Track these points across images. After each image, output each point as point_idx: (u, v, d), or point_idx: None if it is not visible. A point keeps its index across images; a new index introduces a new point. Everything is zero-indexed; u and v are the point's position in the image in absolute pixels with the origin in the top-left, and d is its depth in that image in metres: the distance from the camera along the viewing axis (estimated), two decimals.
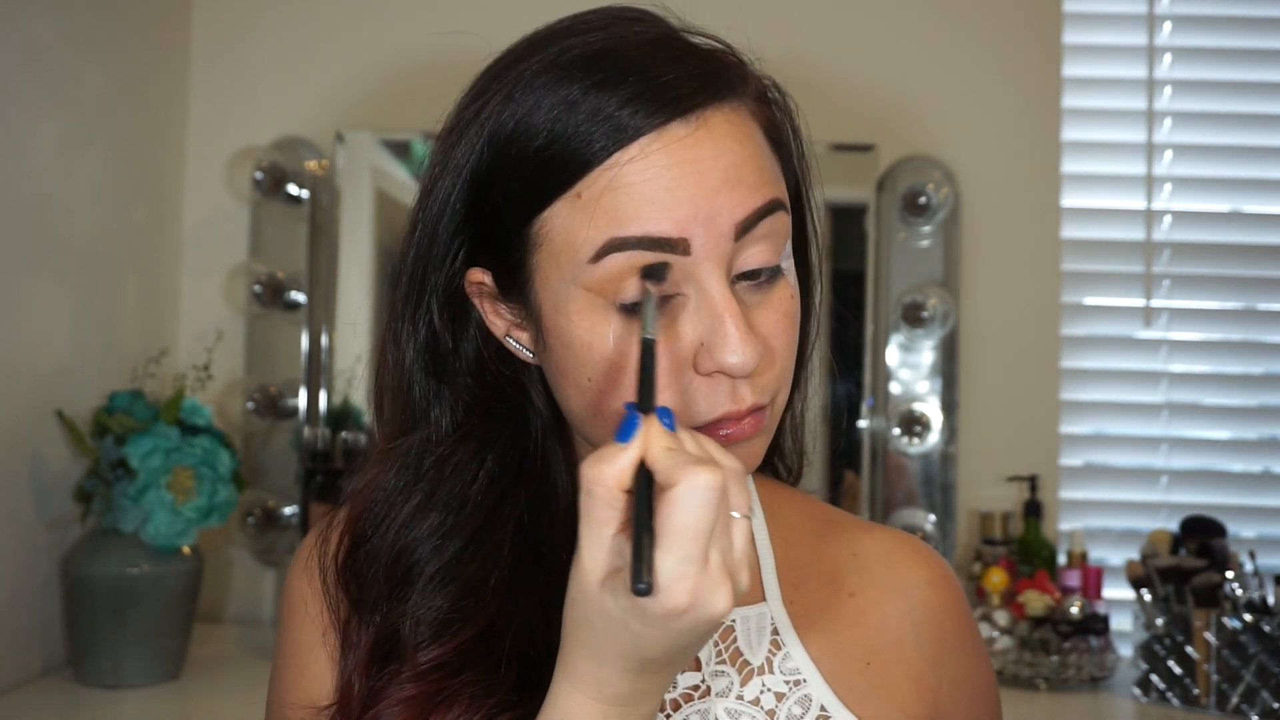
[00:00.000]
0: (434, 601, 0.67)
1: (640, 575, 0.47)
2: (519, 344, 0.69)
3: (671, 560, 0.49)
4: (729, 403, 0.63)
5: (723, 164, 0.62)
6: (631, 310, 0.62)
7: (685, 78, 0.62)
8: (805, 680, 0.69)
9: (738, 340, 0.61)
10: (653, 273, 0.60)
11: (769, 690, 0.69)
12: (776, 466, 0.81)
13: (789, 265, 0.67)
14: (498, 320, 0.69)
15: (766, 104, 0.68)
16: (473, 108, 0.67)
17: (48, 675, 1.56)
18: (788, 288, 0.66)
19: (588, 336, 0.63)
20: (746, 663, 0.70)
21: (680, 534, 0.49)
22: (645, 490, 0.50)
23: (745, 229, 0.62)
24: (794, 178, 0.71)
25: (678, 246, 0.61)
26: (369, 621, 0.68)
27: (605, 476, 0.50)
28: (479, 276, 0.68)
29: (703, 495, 0.49)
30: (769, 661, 0.70)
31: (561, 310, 0.64)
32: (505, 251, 0.66)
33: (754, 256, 0.63)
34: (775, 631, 0.71)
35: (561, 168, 0.62)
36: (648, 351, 0.55)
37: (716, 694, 0.68)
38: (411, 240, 0.70)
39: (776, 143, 0.68)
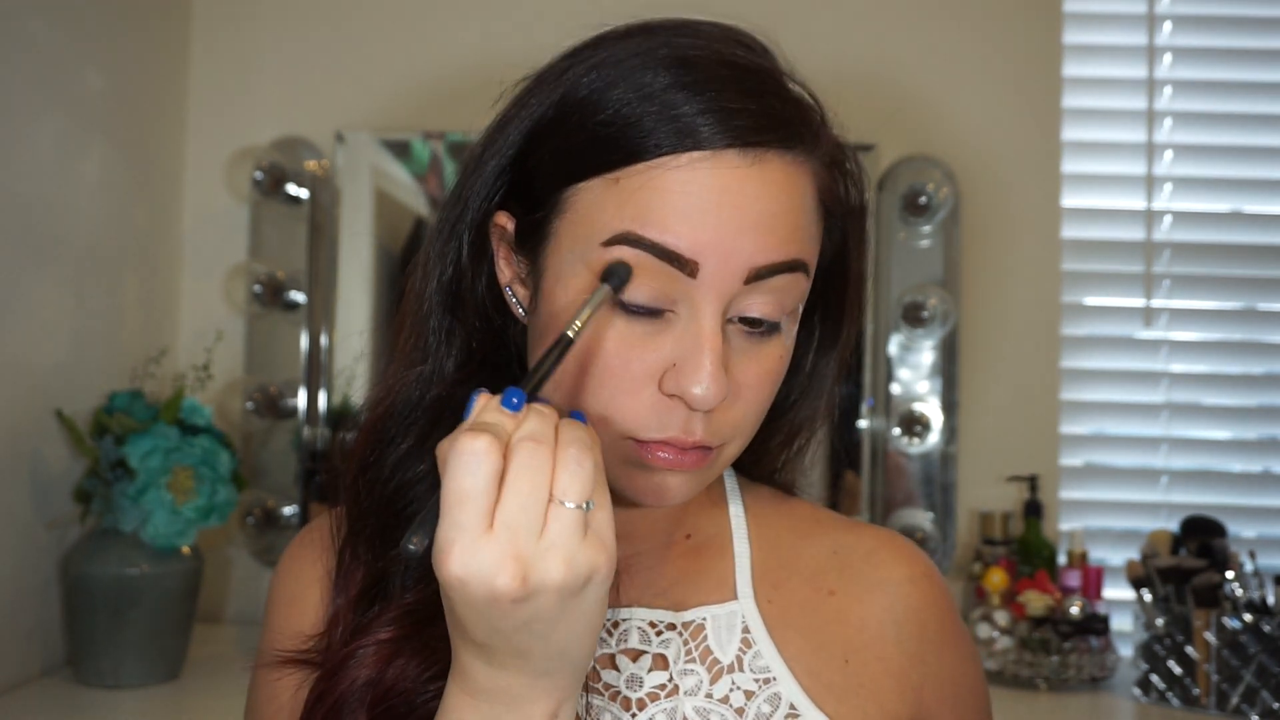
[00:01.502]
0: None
1: (408, 536, 0.47)
2: (516, 298, 0.70)
3: (443, 526, 0.49)
4: (678, 429, 0.63)
5: (760, 207, 0.62)
6: (626, 309, 0.63)
7: (760, 113, 0.62)
8: (775, 678, 0.69)
9: (708, 374, 0.61)
10: (612, 274, 0.60)
11: (738, 688, 0.69)
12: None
13: (789, 327, 0.67)
14: (506, 268, 0.70)
15: (834, 170, 0.68)
16: (561, 65, 0.68)
17: (48, 675, 1.56)
18: (780, 346, 0.66)
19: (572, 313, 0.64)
20: (716, 661, 0.70)
21: (447, 498, 0.48)
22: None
23: (758, 276, 0.62)
24: (839, 250, 0.71)
25: (686, 266, 0.61)
26: (362, 558, 0.69)
27: (441, 451, 0.51)
28: (503, 220, 0.69)
29: (462, 459, 0.48)
30: (739, 660, 0.70)
31: (561, 280, 0.65)
32: (534, 207, 0.67)
33: (758, 305, 0.63)
34: (746, 630, 0.71)
35: (613, 148, 0.63)
36: (559, 345, 0.55)
37: (685, 692, 0.69)
38: (463, 172, 0.71)
39: (829, 211, 0.68)
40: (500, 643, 0.52)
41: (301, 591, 0.73)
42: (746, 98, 0.63)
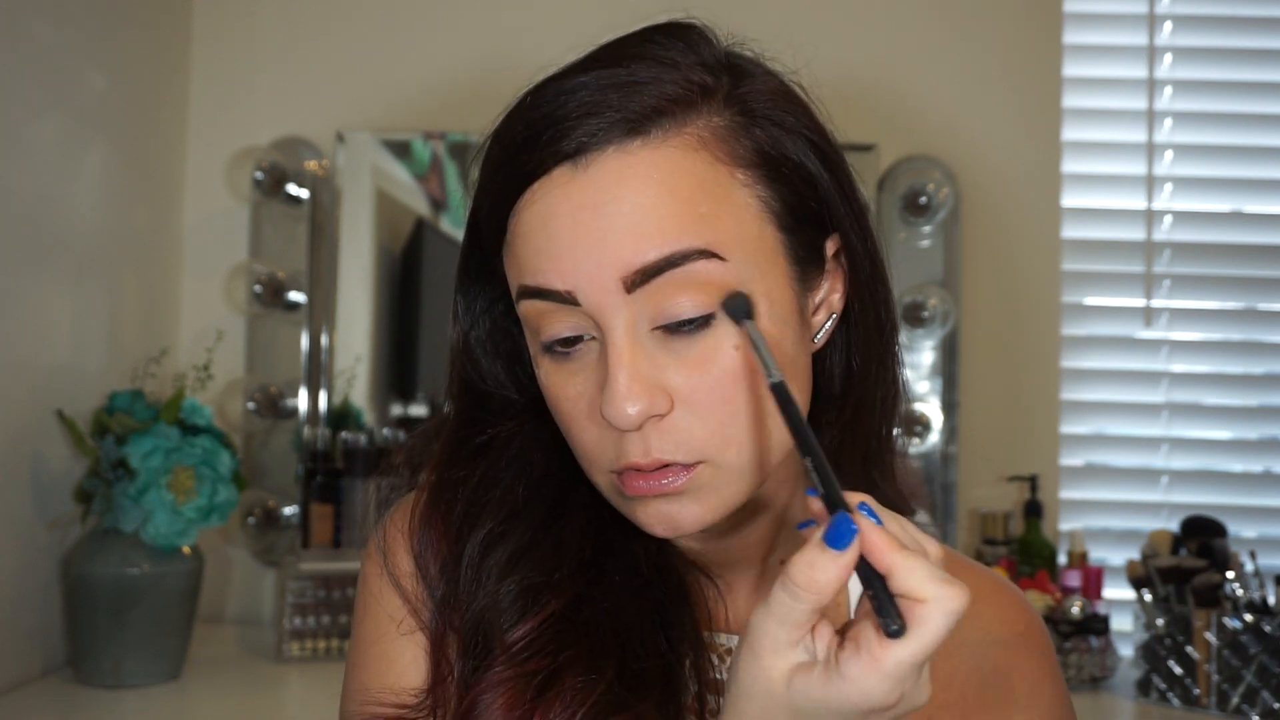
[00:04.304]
0: (512, 579, 0.65)
1: (894, 617, 0.48)
2: None
3: (902, 669, 0.48)
4: (634, 453, 0.60)
5: (606, 212, 0.57)
6: (550, 349, 0.62)
7: (575, 117, 0.58)
8: None
9: (618, 394, 0.58)
10: (736, 310, 0.58)
11: None
12: None
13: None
14: None
15: (740, 124, 0.61)
16: None
17: (48, 675, 1.56)
18: (730, 337, 0.59)
19: (535, 368, 0.65)
20: None
21: (919, 649, 0.48)
22: (875, 574, 0.49)
23: (638, 283, 0.58)
24: (812, 203, 0.64)
25: (565, 298, 0.59)
26: (454, 609, 0.66)
27: (822, 585, 0.49)
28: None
29: (950, 619, 0.48)
30: None
31: (530, 345, 0.65)
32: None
33: (674, 307, 0.58)
34: None
35: (493, 212, 0.63)
36: (782, 396, 0.52)
37: None
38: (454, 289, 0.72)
39: (767, 174, 0.61)
40: None
41: (391, 639, 0.69)
42: (570, 105, 0.59)
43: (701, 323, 0.59)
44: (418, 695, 0.66)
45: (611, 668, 0.62)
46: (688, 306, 0.58)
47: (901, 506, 0.75)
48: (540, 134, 0.59)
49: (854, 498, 0.50)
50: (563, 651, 0.62)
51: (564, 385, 0.62)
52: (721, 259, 0.58)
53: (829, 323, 0.67)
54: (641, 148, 0.58)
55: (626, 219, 0.57)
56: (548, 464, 0.70)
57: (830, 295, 0.67)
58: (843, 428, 0.70)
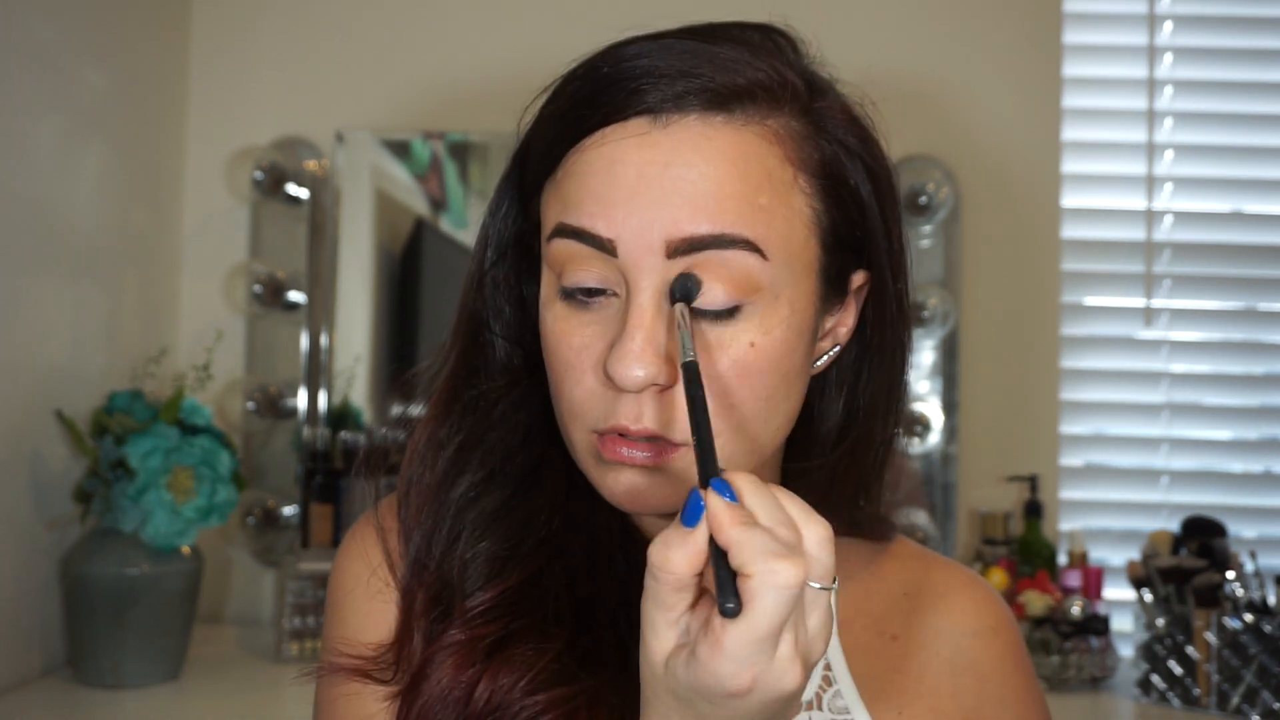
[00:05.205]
0: (479, 547, 0.65)
1: (730, 595, 0.46)
2: None
3: (743, 650, 0.47)
4: (624, 416, 0.60)
5: (675, 174, 0.58)
6: (569, 295, 0.62)
7: (673, 75, 0.59)
8: None
9: (630, 353, 0.57)
10: (680, 291, 0.58)
11: None
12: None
13: (760, 311, 0.60)
14: None
15: (817, 136, 0.62)
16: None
17: (48, 675, 1.56)
18: (748, 334, 0.59)
19: (543, 312, 0.64)
20: None
21: (753, 628, 0.46)
22: (720, 552, 0.48)
23: (680, 251, 0.58)
24: (858, 230, 0.64)
25: (605, 245, 0.59)
26: (425, 570, 0.66)
27: (674, 565, 0.48)
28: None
29: (780, 594, 0.46)
30: (818, 698, 0.67)
31: (540, 283, 0.65)
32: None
33: (707, 291, 0.58)
34: (828, 666, 0.68)
35: (553, 145, 0.62)
36: (690, 376, 0.52)
37: None
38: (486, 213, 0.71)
39: (826, 189, 0.62)
40: None
41: (367, 593, 0.69)
42: (662, 63, 0.59)
43: (727, 313, 0.59)
44: (378, 650, 0.66)
45: (562, 639, 0.62)
46: (719, 295, 0.58)
47: (883, 529, 0.75)
48: (626, 81, 0.59)
49: (727, 476, 0.49)
50: (516, 620, 0.62)
51: (571, 334, 0.62)
52: (764, 256, 0.59)
53: (831, 352, 0.68)
54: (724, 124, 0.59)
55: (693, 186, 0.57)
56: (530, 427, 0.69)
57: (838, 327, 0.67)
58: (838, 461, 0.70)
